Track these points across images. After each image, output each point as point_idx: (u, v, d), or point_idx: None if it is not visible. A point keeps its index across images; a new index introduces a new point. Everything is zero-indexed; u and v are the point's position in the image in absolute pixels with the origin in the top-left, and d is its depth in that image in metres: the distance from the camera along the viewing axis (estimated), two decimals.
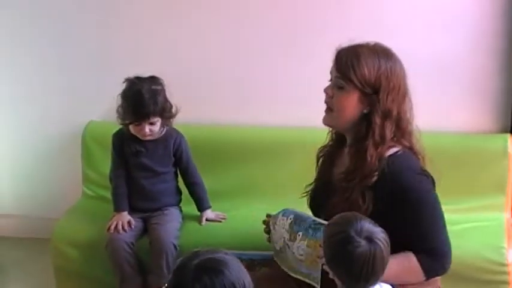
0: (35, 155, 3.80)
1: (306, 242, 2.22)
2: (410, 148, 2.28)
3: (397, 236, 2.00)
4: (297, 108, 3.41)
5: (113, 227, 3.06)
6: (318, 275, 2.15)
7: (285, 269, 2.34)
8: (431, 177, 2.26)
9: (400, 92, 2.24)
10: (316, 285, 2.18)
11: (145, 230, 3.14)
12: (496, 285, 2.87)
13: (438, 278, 2.33)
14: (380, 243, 1.91)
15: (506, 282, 2.86)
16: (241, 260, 1.71)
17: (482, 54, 3.29)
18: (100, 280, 3.19)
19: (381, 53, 2.25)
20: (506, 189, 3.19)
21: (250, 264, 2.58)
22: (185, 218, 3.21)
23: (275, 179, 3.37)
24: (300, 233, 2.25)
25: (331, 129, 2.44)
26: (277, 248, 2.39)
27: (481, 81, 3.33)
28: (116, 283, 3.07)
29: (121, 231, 3.05)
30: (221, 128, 3.50)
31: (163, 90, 3.07)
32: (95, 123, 3.63)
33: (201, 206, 3.22)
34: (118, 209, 3.14)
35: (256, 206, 3.22)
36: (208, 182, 3.28)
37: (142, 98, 3.00)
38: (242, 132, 3.48)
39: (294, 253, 2.27)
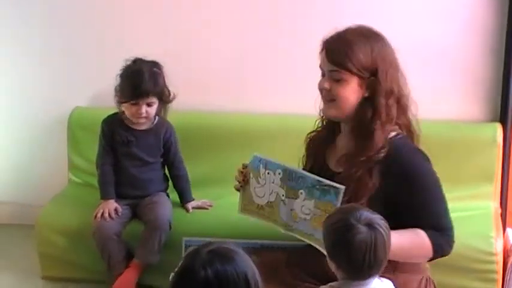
0: (20, 141, 3.78)
1: (313, 203, 2.18)
2: (408, 126, 2.30)
3: (403, 215, 2.03)
4: (290, 95, 3.39)
5: (99, 214, 3.04)
6: None
7: (271, 223, 2.32)
8: (428, 158, 2.27)
9: (396, 69, 2.25)
10: (317, 246, 2.15)
11: (133, 217, 3.13)
12: (485, 274, 2.87)
13: (428, 267, 2.33)
14: (380, 229, 1.91)
15: (494, 271, 2.86)
16: None
17: (473, 42, 3.29)
18: (86, 267, 3.18)
19: (368, 35, 2.25)
20: (495, 178, 3.19)
21: None
22: (172, 205, 3.19)
23: None
24: (303, 192, 2.21)
25: (321, 116, 2.42)
26: (261, 202, 2.33)
27: (472, 70, 3.32)
28: (102, 270, 3.06)
29: (108, 219, 3.03)
30: (212, 114, 3.48)
31: (163, 74, 3.07)
32: (80, 109, 3.60)
33: (184, 198, 3.22)
34: (105, 196, 3.12)
35: None
36: (198, 169, 3.29)
37: (142, 76, 2.99)
38: (232, 119, 3.46)
39: (293, 210, 2.23)
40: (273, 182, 2.30)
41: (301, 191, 2.22)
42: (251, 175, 2.37)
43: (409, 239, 2.15)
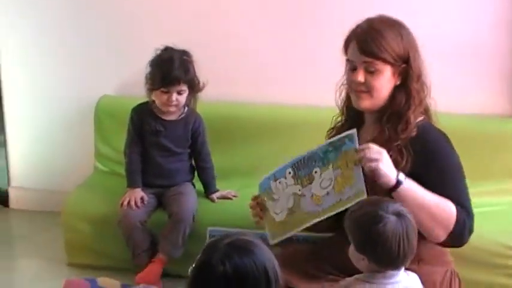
0: (48, 128, 3.80)
1: (330, 168, 2.17)
2: (427, 108, 2.31)
3: None
4: (314, 87, 3.39)
5: (125, 203, 3.06)
6: (360, 181, 2.10)
7: (296, 230, 2.30)
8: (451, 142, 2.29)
9: (419, 53, 2.27)
10: (352, 202, 2.11)
11: (158, 206, 3.15)
12: (509, 269, 2.85)
13: (452, 260, 2.32)
14: (409, 218, 1.92)
15: None
16: None
17: (500, 37, 3.26)
18: (111, 254, 3.21)
19: (392, 23, 2.25)
20: None
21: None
22: (197, 195, 3.21)
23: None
24: (316, 169, 2.20)
25: (344, 107, 2.42)
26: (282, 218, 2.30)
27: (499, 63, 3.30)
28: (127, 258, 3.09)
29: (134, 207, 3.05)
30: (238, 105, 3.48)
31: (193, 63, 3.10)
32: (108, 98, 3.61)
33: (208, 190, 3.23)
34: (131, 184, 3.14)
35: None
36: (223, 159, 3.30)
37: (173, 63, 3.02)
38: (258, 110, 3.46)
39: (314, 195, 2.22)
40: (286, 188, 2.28)
41: (315, 169, 2.21)
42: (265, 199, 2.35)
43: (437, 198, 2.14)
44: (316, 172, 2.21)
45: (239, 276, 1.52)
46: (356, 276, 2.00)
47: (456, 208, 2.16)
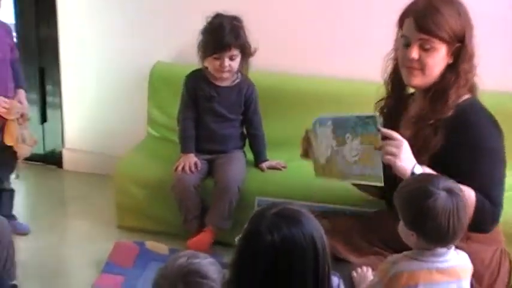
0: (103, 93, 3.85)
1: (358, 140, 2.19)
2: (473, 85, 2.27)
3: (458, 177, 1.99)
4: (362, 61, 3.33)
5: (180, 167, 3.09)
6: (379, 167, 2.12)
7: (335, 179, 2.33)
8: (501, 131, 2.23)
9: (473, 31, 2.23)
10: (373, 182, 2.16)
11: (210, 172, 3.18)
12: None
13: (503, 239, 2.30)
14: (460, 195, 1.91)
15: None
16: None
17: None
18: (161, 219, 3.26)
19: (451, 0, 2.21)
20: None
21: None
22: (246, 164, 3.22)
23: None
24: (348, 135, 2.22)
25: (390, 81, 2.40)
26: (323, 160, 2.34)
27: None
28: (177, 223, 3.13)
29: (188, 172, 3.08)
30: (290, 76, 3.47)
31: (243, 27, 3.09)
32: (162, 64, 3.63)
33: (259, 158, 3.24)
34: (185, 150, 3.17)
35: None
36: (274, 130, 3.30)
37: (223, 29, 3.03)
38: (311, 82, 3.44)
39: (344, 157, 2.24)
40: (326, 137, 2.31)
41: (347, 135, 2.22)
42: (312, 138, 2.39)
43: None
44: (348, 138, 2.23)
45: (287, 246, 1.52)
46: (405, 253, 1.99)
47: (478, 196, 2.12)
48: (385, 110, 2.44)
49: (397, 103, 2.40)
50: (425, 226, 1.90)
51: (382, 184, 2.12)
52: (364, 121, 2.17)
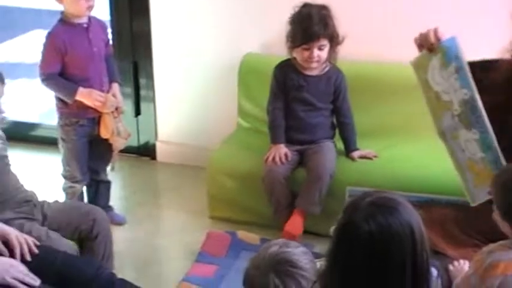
0: (194, 85, 3.89)
1: (479, 151, 2.18)
2: None
3: None
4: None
5: (270, 158, 3.11)
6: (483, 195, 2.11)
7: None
8: None
9: None
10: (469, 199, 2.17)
11: (300, 163, 3.17)
12: None
13: None
14: None
15: None
16: None
17: None
18: (252, 210, 3.28)
19: None
20: None
21: None
22: (337, 154, 3.20)
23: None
24: (476, 132, 2.17)
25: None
26: (437, 88, 2.27)
27: None
28: (268, 214, 3.15)
29: (279, 163, 3.09)
30: (379, 65, 3.41)
31: (332, 17, 3.07)
32: (252, 55, 3.65)
33: (349, 147, 3.21)
34: (275, 141, 3.18)
35: (410, 146, 3.16)
36: (364, 119, 3.26)
37: (312, 19, 3.02)
38: (401, 69, 3.36)
39: (456, 131, 2.22)
40: (455, 91, 2.23)
41: (474, 130, 2.15)
42: (439, 56, 2.30)
43: None
44: (474, 133, 2.21)
45: (384, 236, 1.47)
46: (501, 242, 1.94)
47: None
48: None
49: None
50: None
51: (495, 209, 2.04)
52: (495, 155, 2.16)
